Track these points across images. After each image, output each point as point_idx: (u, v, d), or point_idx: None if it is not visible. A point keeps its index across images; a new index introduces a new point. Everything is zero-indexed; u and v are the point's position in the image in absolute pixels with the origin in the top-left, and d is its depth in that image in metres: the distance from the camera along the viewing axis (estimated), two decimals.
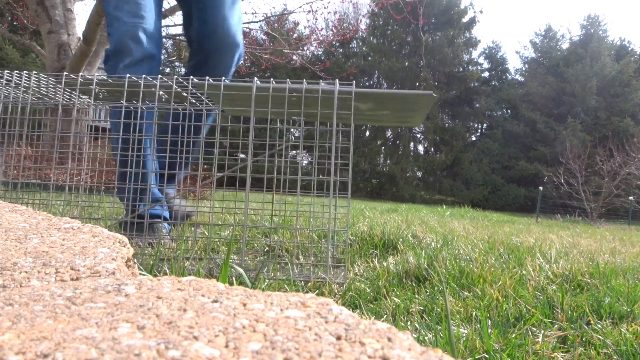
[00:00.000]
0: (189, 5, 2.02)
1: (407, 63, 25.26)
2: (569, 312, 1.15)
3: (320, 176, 1.52)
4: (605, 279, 1.57)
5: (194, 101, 1.62)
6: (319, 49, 15.55)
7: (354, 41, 25.94)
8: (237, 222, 1.98)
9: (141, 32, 1.76)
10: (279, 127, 1.59)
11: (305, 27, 11.74)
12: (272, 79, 1.41)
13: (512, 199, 22.42)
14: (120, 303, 0.40)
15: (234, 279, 1.17)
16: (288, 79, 1.40)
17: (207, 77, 1.45)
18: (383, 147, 26.42)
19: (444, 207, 9.44)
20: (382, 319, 1.04)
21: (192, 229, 1.94)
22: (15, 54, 16.70)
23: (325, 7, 18.74)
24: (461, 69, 25.90)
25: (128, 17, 1.76)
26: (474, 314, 1.08)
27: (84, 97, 1.67)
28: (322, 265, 1.38)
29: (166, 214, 1.85)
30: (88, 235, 0.70)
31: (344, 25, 14.42)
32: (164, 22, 8.44)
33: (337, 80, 1.40)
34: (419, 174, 25.76)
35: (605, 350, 0.92)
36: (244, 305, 0.40)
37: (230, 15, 1.94)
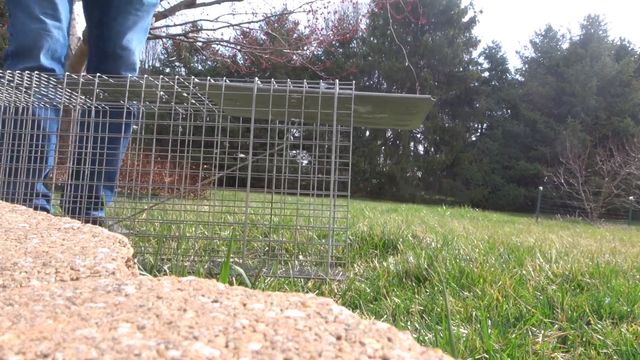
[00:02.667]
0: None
1: (407, 63, 25.24)
2: (569, 312, 1.15)
3: (320, 176, 1.52)
4: (605, 279, 1.57)
5: (194, 101, 1.62)
6: (319, 49, 15.54)
7: (354, 41, 25.93)
8: (237, 221, 1.98)
9: (50, 41, 1.68)
10: (278, 127, 1.59)
11: (305, 27, 11.73)
12: (272, 79, 1.41)
13: (512, 199, 22.41)
14: (120, 303, 0.40)
15: (234, 279, 1.17)
16: (289, 79, 1.40)
17: (209, 78, 1.45)
18: (383, 147, 26.42)
19: (444, 207, 9.44)
20: (382, 319, 1.04)
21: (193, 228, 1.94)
22: None
23: (325, 7, 18.69)
24: (461, 69, 25.88)
25: (34, 22, 1.66)
26: (474, 314, 1.08)
27: (83, 97, 1.66)
28: (322, 262, 1.38)
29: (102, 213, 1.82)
30: (88, 235, 0.70)
31: (344, 25, 14.42)
32: (163, 21, 8.44)
33: (337, 81, 1.40)
34: (419, 174, 25.75)
35: (605, 350, 0.92)
36: (244, 305, 0.40)
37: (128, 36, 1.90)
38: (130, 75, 1.87)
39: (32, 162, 1.57)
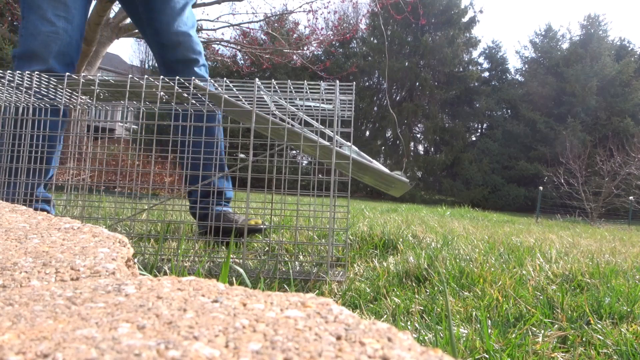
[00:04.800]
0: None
1: (407, 63, 25.26)
2: (569, 312, 1.15)
3: (320, 176, 1.52)
4: (605, 279, 1.57)
5: (194, 102, 1.62)
6: (319, 49, 15.54)
7: (354, 41, 25.93)
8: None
9: (61, 45, 1.66)
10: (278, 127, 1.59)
11: (305, 27, 11.73)
12: (273, 80, 1.41)
13: (512, 199, 22.41)
14: (120, 303, 0.41)
15: (234, 279, 1.17)
16: (289, 80, 1.40)
17: (209, 79, 1.45)
18: (383, 147, 26.42)
19: (444, 207, 9.44)
20: (382, 319, 1.04)
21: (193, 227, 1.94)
22: None
23: (325, 7, 18.73)
24: (461, 69, 25.89)
25: (45, 25, 1.64)
26: (474, 314, 1.08)
27: (84, 97, 1.66)
28: (322, 263, 1.38)
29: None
30: (88, 235, 0.70)
31: (344, 25, 14.42)
32: None
33: (337, 82, 1.40)
34: (419, 174, 25.76)
35: (605, 350, 0.92)
36: (244, 305, 0.40)
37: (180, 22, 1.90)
38: (198, 58, 1.91)
39: (45, 163, 1.58)
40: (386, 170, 1.52)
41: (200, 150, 1.70)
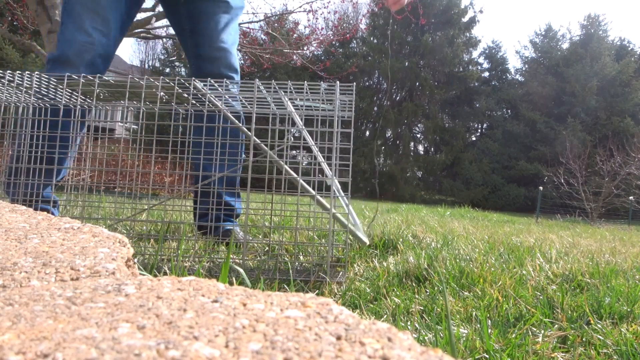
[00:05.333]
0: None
1: (407, 63, 25.25)
2: (569, 312, 1.15)
3: (320, 176, 1.52)
4: (605, 279, 1.57)
5: (194, 102, 1.62)
6: (319, 49, 15.54)
7: (354, 41, 25.93)
8: (238, 222, 1.97)
9: (94, 55, 1.69)
10: (278, 127, 1.59)
11: (305, 27, 11.73)
12: (273, 81, 1.41)
13: (512, 199, 22.40)
14: (120, 303, 0.40)
15: (234, 279, 1.17)
16: (289, 82, 1.40)
17: (210, 79, 1.45)
18: (383, 147, 26.41)
19: (444, 207, 9.44)
20: (382, 319, 1.04)
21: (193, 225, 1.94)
22: (15, 54, 16.69)
23: (325, 7, 18.73)
24: (461, 69, 25.87)
25: (81, 35, 1.67)
26: (474, 314, 1.08)
27: (84, 97, 1.66)
28: (322, 264, 1.38)
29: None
30: (88, 235, 0.70)
31: (344, 25, 14.41)
32: (163, 21, 8.43)
33: (337, 83, 1.40)
34: (419, 174, 25.75)
35: (605, 350, 0.92)
36: (244, 305, 0.40)
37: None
38: (233, 76, 1.92)
39: (56, 163, 1.58)
40: (360, 234, 1.60)
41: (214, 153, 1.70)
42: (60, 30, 1.74)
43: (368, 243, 1.66)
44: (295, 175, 1.45)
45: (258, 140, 1.47)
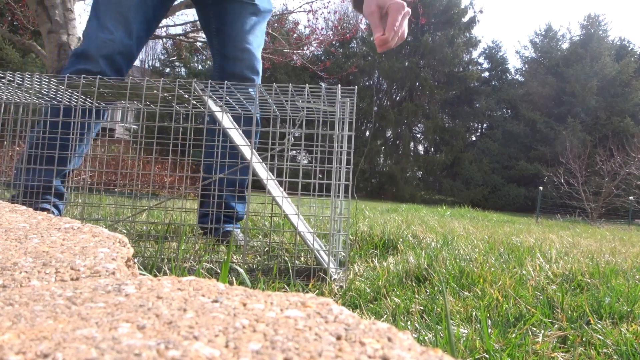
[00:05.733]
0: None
1: (407, 63, 25.25)
2: (569, 312, 1.15)
3: (320, 177, 1.52)
4: (605, 279, 1.57)
5: (195, 102, 1.62)
6: (319, 49, 15.56)
7: (354, 41, 25.94)
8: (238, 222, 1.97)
9: (114, 52, 1.71)
10: (279, 128, 1.59)
11: (305, 27, 11.73)
12: (274, 83, 1.41)
13: (512, 199, 22.41)
14: (120, 303, 0.41)
15: (234, 279, 1.17)
16: (290, 84, 1.40)
17: (210, 81, 1.45)
18: (383, 147, 26.42)
19: (444, 207, 9.44)
20: (382, 319, 1.04)
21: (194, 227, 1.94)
22: (15, 54, 16.70)
23: (325, 7, 18.74)
24: (461, 69, 25.88)
25: (104, 32, 1.70)
26: (474, 314, 1.08)
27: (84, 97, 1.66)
28: (322, 265, 1.38)
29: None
30: (88, 235, 0.70)
31: (344, 25, 14.42)
32: (163, 21, 8.43)
33: (339, 86, 1.40)
34: (419, 174, 25.75)
35: (605, 350, 0.92)
36: (244, 305, 0.40)
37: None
38: (254, 78, 1.92)
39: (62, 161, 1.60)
40: (323, 254, 1.59)
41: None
42: (86, 27, 1.79)
43: (334, 270, 1.40)
44: (295, 226, 1.45)
45: (251, 146, 1.47)
